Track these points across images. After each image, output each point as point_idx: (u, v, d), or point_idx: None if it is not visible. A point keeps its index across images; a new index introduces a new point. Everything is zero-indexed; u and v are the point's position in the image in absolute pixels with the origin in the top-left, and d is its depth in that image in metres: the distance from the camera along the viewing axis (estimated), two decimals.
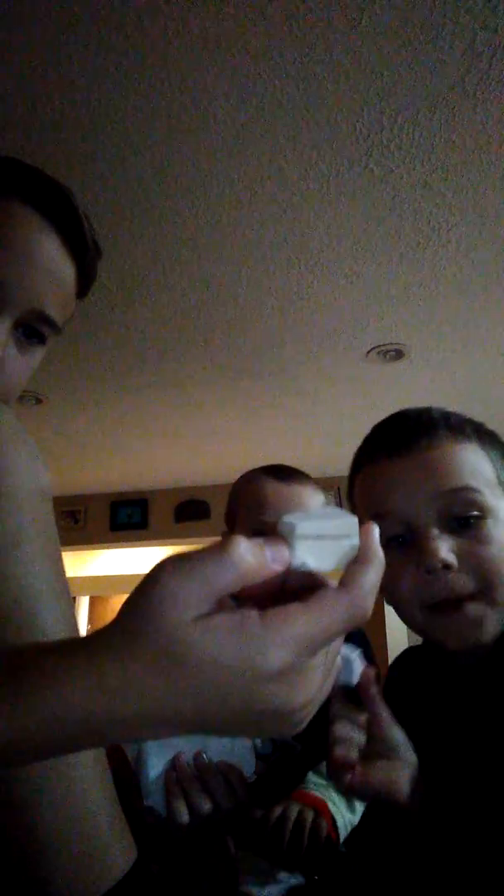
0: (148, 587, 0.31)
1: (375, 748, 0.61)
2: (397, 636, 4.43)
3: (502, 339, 2.46)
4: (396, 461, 0.67)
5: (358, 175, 1.60)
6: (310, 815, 0.81)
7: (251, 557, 0.31)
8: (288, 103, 1.38)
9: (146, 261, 1.92)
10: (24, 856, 0.40)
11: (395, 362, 2.62)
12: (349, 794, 0.61)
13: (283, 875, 0.89)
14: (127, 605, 0.31)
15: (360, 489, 0.73)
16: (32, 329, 0.60)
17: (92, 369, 2.61)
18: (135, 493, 4.39)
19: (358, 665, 0.63)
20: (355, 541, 0.35)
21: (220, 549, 0.31)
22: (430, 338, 2.44)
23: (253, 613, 0.31)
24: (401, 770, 0.59)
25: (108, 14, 1.18)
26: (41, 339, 0.62)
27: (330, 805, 0.84)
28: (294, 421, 3.25)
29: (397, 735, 0.61)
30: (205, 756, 0.70)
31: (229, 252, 1.90)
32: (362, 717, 0.62)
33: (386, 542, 0.63)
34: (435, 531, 0.62)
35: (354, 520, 0.36)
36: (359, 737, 0.61)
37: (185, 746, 0.70)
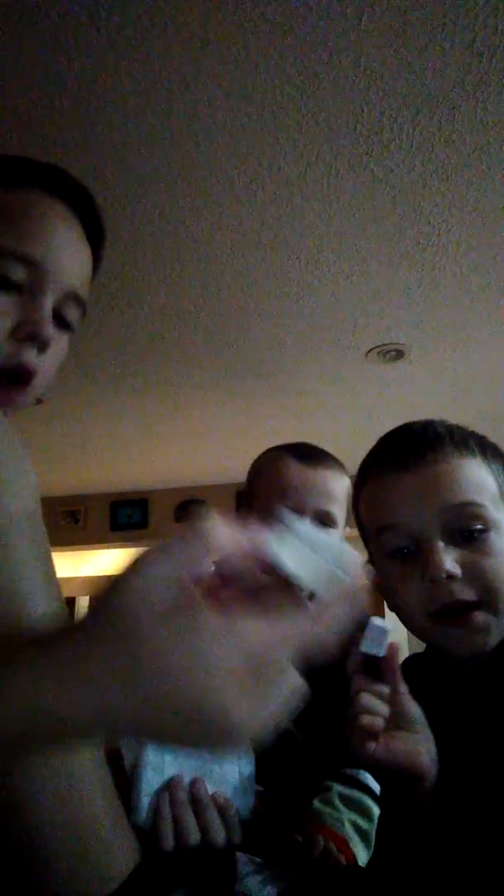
0: (114, 578, 0.32)
1: (396, 721, 0.62)
2: (398, 639, 4.43)
3: (502, 340, 2.46)
4: (403, 475, 0.69)
5: (358, 175, 1.60)
6: (343, 859, 0.81)
7: (222, 533, 0.32)
8: (288, 103, 1.38)
9: (146, 261, 1.92)
10: (25, 859, 0.40)
11: (395, 362, 2.62)
12: (373, 761, 0.61)
13: (279, 873, 0.89)
14: (93, 597, 0.32)
15: (367, 503, 0.74)
16: (63, 319, 0.62)
17: (92, 369, 2.61)
18: (135, 493, 4.39)
19: (387, 637, 0.63)
20: (341, 574, 0.35)
21: (191, 526, 0.32)
22: (430, 338, 2.44)
23: (211, 613, 0.31)
24: (421, 743, 0.61)
25: (108, 15, 1.18)
26: (68, 327, 0.63)
27: (351, 845, 0.84)
28: (294, 421, 3.25)
29: (416, 710, 0.62)
30: (203, 786, 0.63)
31: (229, 252, 1.90)
32: (385, 690, 0.63)
33: (391, 554, 0.65)
34: (440, 544, 0.64)
35: (355, 557, 0.36)
36: (382, 708, 0.62)
37: (186, 768, 0.65)
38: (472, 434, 0.73)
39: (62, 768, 0.41)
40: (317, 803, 0.87)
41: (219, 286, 2.07)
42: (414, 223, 1.78)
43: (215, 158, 1.53)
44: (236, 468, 4.21)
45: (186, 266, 1.96)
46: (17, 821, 0.40)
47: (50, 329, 0.58)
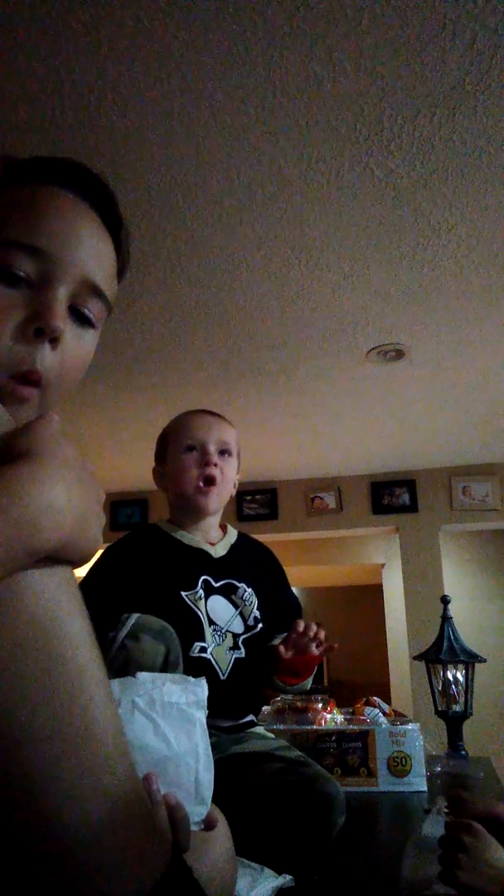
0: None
1: None
2: (397, 635, 4.42)
3: (502, 340, 2.46)
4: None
5: (358, 175, 1.60)
6: None
7: None
8: (288, 103, 1.38)
9: (146, 261, 1.92)
10: (56, 866, 0.39)
11: (395, 362, 2.62)
12: None
13: (270, 876, 0.89)
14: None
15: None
16: (81, 313, 0.59)
17: (92, 369, 2.59)
18: (135, 493, 4.39)
19: None
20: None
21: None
22: (430, 338, 2.44)
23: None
24: None
25: (108, 14, 1.18)
26: (91, 324, 0.61)
27: None
28: (294, 421, 3.25)
29: None
30: (155, 781, 0.57)
31: (229, 252, 1.90)
32: None
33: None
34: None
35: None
36: None
37: (141, 765, 0.57)
38: None
39: (94, 768, 0.41)
40: None
41: (219, 286, 2.07)
42: (414, 223, 1.78)
43: (215, 158, 1.53)
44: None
45: (186, 266, 1.96)
46: (49, 827, 0.38)
47: (59, 320, 0.55)
